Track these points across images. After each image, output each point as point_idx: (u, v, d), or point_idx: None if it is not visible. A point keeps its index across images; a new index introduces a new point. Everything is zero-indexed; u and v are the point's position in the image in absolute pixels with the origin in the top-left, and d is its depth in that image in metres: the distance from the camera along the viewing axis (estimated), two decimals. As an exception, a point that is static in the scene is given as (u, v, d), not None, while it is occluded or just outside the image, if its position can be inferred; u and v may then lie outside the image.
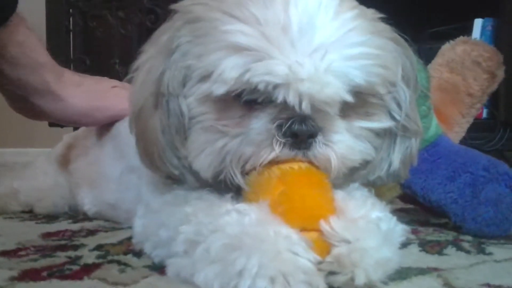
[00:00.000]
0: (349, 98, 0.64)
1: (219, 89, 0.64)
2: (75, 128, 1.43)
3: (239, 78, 0.62)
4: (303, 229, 0.61)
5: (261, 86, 0.62)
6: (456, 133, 1.14)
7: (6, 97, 1.10)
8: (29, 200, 1.24)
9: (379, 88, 0.68)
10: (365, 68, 0.64)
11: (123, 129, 0.97)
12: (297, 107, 0.63)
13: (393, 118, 0.73)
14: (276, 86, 0.62)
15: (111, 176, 1.07)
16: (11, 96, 1.09)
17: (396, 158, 0.75)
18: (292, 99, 0.62)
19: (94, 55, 2.41)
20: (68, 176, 1.23)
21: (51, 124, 2.33)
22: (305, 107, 0.63)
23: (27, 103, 1.08)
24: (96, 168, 1.14)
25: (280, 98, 0.63)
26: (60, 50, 2.40)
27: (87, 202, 1.16)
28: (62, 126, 2.27)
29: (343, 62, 0.63)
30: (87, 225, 1.07)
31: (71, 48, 2.46)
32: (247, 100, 0.65)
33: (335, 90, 0.63)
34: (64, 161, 1.26)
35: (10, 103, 1.11)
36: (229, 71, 0.62)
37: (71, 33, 2.46)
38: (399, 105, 0.73)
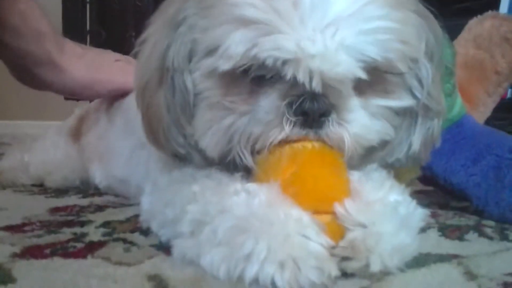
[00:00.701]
0: (362, 75, 0.60)
1: (225, 65, 0.60)
2: (91, 101, 1.42)
3: (246, 53, 0.58)
4: (315, 212, 0.58)
5: (269, 62, 0.58)
6: (481, 113, 1.09)
7: (8, 66, 1.09)
8: (40, 173, 1.23)
9: (398, 65, 0.63)
10: (381, 43, 0.60)
11: (134, 103, 0.95)
12: (307, 85, 0.59)
13: (414, 96, 0.69)
14: (284, 62, 0.59)
15: (121, 150, 1.05)
16: (12, 65, 1.09)
17: (416, 140, 0.71)
18: (302, 77, 0.59)
19: (110, 27, 2.39)
20: (80, 150, 1.22)
21: (66, 98, 2.33)
22: (316, 85, 0.59)
23: (28, 73, 1.08)
24: (107, 142, 1.12)
25: (289, 75, 0.59)
26: (76, 22, 2.39)
27: (98, 176, 1.15)
28: (77, 100, 2.27)
29: (357, 37, 0.59)
30: (96, 200, 1.06)
31: (87, 20, 2.44)
32: (255, 76, 0.62)
33: (347, 67, 0.59)
34: (76, 134, 1.25)
35: (11, 72, 1.11)
36: (236, 46, 0.59)
37: (87, 4, 2.44)
38: (420, 83, 0.68)
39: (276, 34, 0.57)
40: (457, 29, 1.17)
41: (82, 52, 1.12)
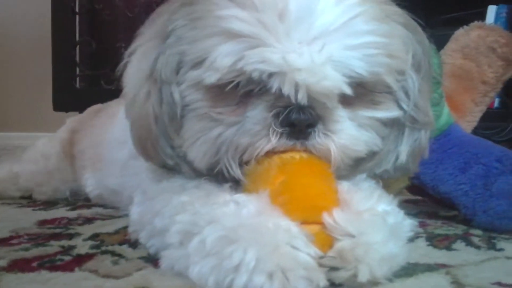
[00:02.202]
0: (348, 91, 0.61)
1: (211, 77, 0.61)
2: (80, 113, 1.41)
3: (232, 67, 0.59)
4: (304, 222, 0.59)
5: (255, 75, 0.59)
6: (469, 122, 1.10)
7: None
8: (29, 185, 1.22)
9: (385, 78, 0.64)
10: (368, 58, 0.61)
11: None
12: (292, 98, 0.60)
13: (401, 108, 0.69)
14: (271, 75, 0.59)
15: (116, 160, 1.04)
16: None
17: (403, 151, 0.71)
18: (287, 89, 0.59)
19: (100, 37, 2.39)
20: (73, 160, 1.21)
21: (55, 108, 2.32)
22: (302, 98, 0.60)
23: None
24: (101, 151, 1.11)
25: (275, 87, 0.60)
26: (66, 32, 2.38)
27: (90, 184, 1.14)
28: (67, 111, 2.26)
29: (344, 52, 0.60)
30: (85, 212, 1.05)
31: (77, 30, 2.43)
32: (244, 91, 0.62)
33: (334, 82, 0.60)
34: (68, 145, 1.24)
35: None
36: (222, 59, 0.59)
37: (77, 15, 2.44)
38: (407, 95, 0.69)
39: (261, 47, 0.58)
40: (444, 39, 1.18)
41: None
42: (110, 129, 1.10)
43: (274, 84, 0.59)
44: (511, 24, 1.75)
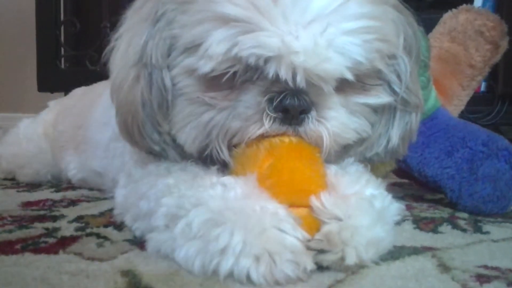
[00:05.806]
0: (349, 76, 0.60)
1: (206, 66, 0.59)
2: (65, 93, 1.39)
3: (227, 54, 0.58)
4: (291, 205, 0.58)
5: (251, 61, 0.58)
6: (455, 106, 1.10)
7: None
8: (11, 166, 1.21)
9: (377, 64, 0.63)
10: (366, 45, 0.60)
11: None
12: (290, 82, 0.59)
13: (393, 91, 0.69)
14: (267, 60, 0.58)
15: (99, 142, 1.02)
16: None
17: (395, 134, 0.71)
18: (284, 73, 0.58)
19: (84, 17, 2.35)
20: (53, 141, 1.19)
21: (40, 89, 2.29)
22: (300, 81, 0.59)
23: None
24: (84, 133, 1.10)
25: (271, 73, 0.58)
26: (50, 12, 2.34)
27: (73, 168, 1.13)
28: (52, 92, 2.23)
29: (345, 37, 0.58)
30: (70, 194, 1.04)
31: (61, 10, 2.39)
32: (241, 80, 0.61)
33: (336, 66, 0.59)
34: (51, 127, 1.22)
35: None
36: (216, 46, 0.58)
37: (61, -6, 2.40)
38: (399, 77, 0.69)
39: (256, 32, 0.57)
40: (432, 22, 1.18)
41: None
42: (92, 111, 1.08)
43: (271, 69, 0.58)
44: (499, 7, 1.74)
